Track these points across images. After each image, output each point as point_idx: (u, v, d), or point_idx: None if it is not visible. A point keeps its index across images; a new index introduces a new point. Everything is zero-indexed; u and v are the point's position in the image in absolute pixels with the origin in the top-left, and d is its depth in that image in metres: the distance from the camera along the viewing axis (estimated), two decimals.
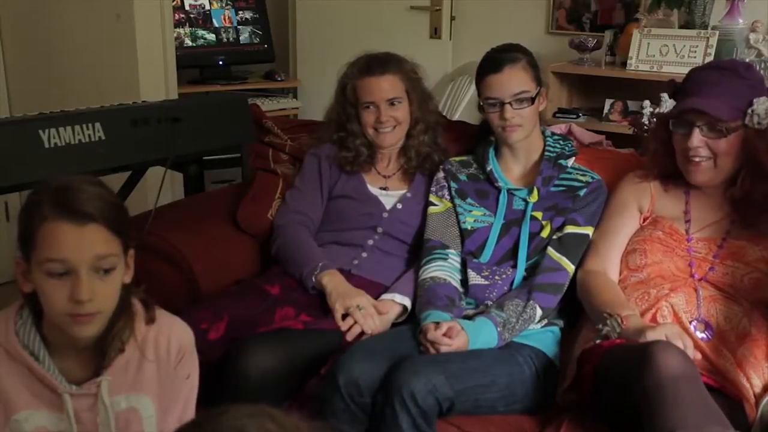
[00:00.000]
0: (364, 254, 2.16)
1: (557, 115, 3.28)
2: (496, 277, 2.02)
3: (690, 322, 1.76)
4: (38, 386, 1.42)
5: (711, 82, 1.84)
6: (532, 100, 2.03)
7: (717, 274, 1.81)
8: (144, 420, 1.47)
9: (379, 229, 2.18)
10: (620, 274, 1.92)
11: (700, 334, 1.74)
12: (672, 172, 1.94)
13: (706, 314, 1.76)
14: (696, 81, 1.87)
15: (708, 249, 1.86)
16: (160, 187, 2.12)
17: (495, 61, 2.04)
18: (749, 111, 1.79)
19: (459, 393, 1.70)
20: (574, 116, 3.27)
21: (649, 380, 1.48)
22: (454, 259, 2.08)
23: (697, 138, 1.82)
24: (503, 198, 2.08)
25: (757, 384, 1.64)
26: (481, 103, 2.07)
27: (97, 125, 2.04)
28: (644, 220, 1.97)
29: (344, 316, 1.96)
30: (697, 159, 1.84)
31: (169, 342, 1.49)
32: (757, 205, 1.81)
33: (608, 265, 1.94)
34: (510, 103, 2.01)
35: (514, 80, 2.01)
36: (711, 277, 1.81)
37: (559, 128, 2.44)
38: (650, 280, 1.85)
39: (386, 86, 2.16)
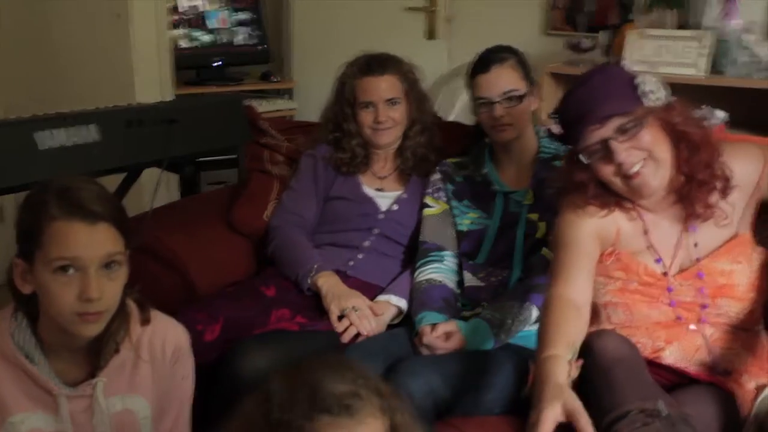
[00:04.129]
0: (360, 255, 2.16)
1: (552, 115, 3.27)
2: (492, 279, 2.02)
3: (696, 353, 1.68)
4: (33, 388, 1.41)
5: (585, 97, 1.63)
6: (521, 98, 2.03)
7: (711, 314, 1.69)
8: (140, 421, 1.47)
9: (375, 231, 2.18)
10: (601, 324, 1.74)
11: (706, 332, 1.72)
12: (610, 200, 1.69)
13: (718, 354, 1.68)
14: (574, 103, 1.66)
15: (690, 287, 1.68)
16: (156, 189, 2.12)
17: (483, 61, 2.06)
18: (640, 93, 1.61)
19: (457, 394, 1.70)
20: None
21: (587, 368, 1.49)
22: (450, 260, 2.08)
23: (621, 149, 1.59)
24: (499, 200, 2.08)
25: (754, 382, 1.64)
26: (473, 104, 2.08)
27: (92, 126, 2.03)
28: (605, 256, 1.72)
29: (340, 318, 1.96)
30: (635, 169, 1.61)
31: (165, 343, 1.49)
32: (702, 182, 1.64)
33: (578, 292, 1.64)
34: (499, 102, 2.01)
35: (502, 79, 2.02)
36: (707, 317, 1.69)
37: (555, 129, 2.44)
38: (643, 330, 1.71)
39: (385, 86, 2.16)
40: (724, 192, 1.67)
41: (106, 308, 1.37)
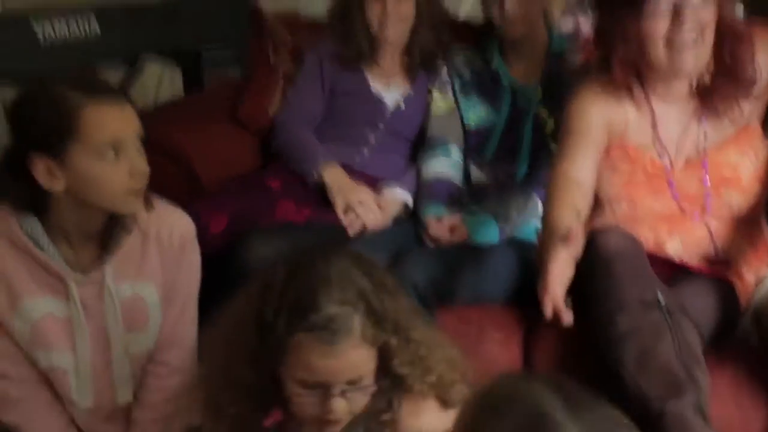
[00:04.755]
0: (366, 151, 2.15)
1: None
2: (499, 174, 2.01)
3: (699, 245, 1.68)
4: (43, 275, 1.43)
5: None
6: None
7: (714, 206, 1.67)
8: (149, 307, 1.50)
9: (381, 126, 2.17)
10: (605, 219, 1.72)
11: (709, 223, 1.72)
12: (628, 83, 1.65)
13: (720, 245, 1.68)
14: None
15: (694, 179, 1.67)
16: (159, 83, 2.09)
17: None
18: None
19: (459, 284, 1.72)
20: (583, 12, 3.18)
21: (588, 262, 1.50)
22: (456, 154, 2.07)
23: (691, 17, 1.53)
24: (507, 96, 2.05)
25: (754, 274, 1.66)
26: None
27: (92, 18, 2.00)
28: (612, 150, 1.69)
29: (346, 211, 1.97)
30: (688, 42, 1.55)
31: (171, 231, 1.50)
32: (735, 78, 1.61)
33: (582, 171, 1.64)
34: None
35: None
36: (711, 209, 1.67)
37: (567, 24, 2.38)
38: (646, 223, 1.70)
39: None
40: (749, 90, 1.65)
41: (147, 180, 1.41)
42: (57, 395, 1.50)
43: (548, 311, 1.37)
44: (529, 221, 1.92)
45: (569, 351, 1.65)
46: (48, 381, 1.48)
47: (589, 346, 1.52)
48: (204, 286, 1.61)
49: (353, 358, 1.08)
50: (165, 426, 1.53)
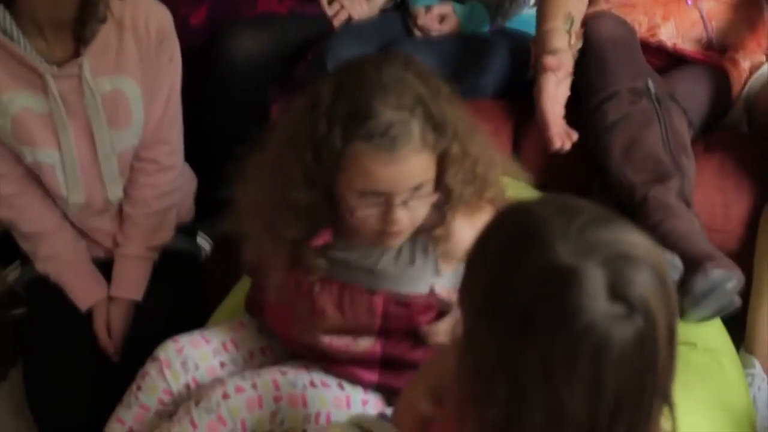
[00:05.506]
0: None
1: None
2: None
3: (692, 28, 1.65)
4: (18, 67, 1.39)
5: None
6: None
7: None
8: (131, 102, 1.46)
9: None
10: (599, 5, 1.67)
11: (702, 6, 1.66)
12: None
13: (715, 28, 1.65)
14: None
15: None
16: None
17: None
18: None
19: (450, 75, 1.67)
20: None
21: (580, 51, 1.50)
22: None
23: None
24: None
25: (749, 61, 1.63)
26: None
27: None
28: None
29: (330, 1, 1.89)
30: None
31: (148, 21, 1.44)
32: None
33: None
34: None
35: None
36: None
37: None
38: (640, 7, 1.66)
39: None
40: None
41: None
42: (48, 192, 1.50)
43: (556, 144, 1.41)
44: (521, 11, 1.86)
45: None
46: (38, 178, 1.48)
47: (579, 137, 1.51)
48: (187, 83, 1.57)
49: (414, 165, 1.03)
50: (158, 221, 1.55)
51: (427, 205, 1.09)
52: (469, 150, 1.09)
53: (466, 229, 1.09)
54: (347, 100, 1.03)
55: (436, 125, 1.04)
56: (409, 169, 1.03)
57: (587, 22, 1.56)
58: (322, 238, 1.11)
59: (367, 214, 1.06)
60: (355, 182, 1.04)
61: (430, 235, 1.12)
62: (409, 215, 1.07)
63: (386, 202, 1.05)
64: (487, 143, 1.15)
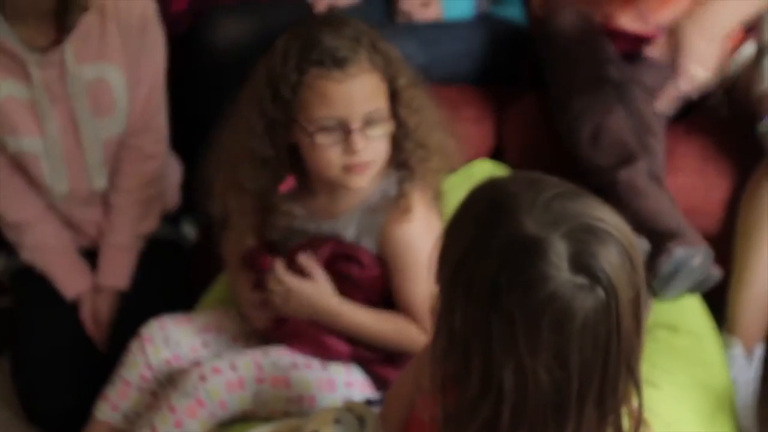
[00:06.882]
0: None
1: None
2: None
3: None
4: (0, 56, 1.38)
5: None
6: None
7: None
8: (114, 90, 1.46)
9: None
10: None
11: None
12: None
13: None
14: None
15: None
16: None
17: None
18: None
19: (432, 61, 1.69)
20: None
21: (542, 45, 1.53)
22: None
23: None
24: None
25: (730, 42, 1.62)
26: None
27: None
28: None
29: None
30: None
31: (130, 9, 1.44)
32: None
33: None
34: None
35: None
36: None
37: None
38: None
39: None
40: None
41: None
42: (33, 182, 1.50)
43: None
44: None
45: (539, 129, 1.66)
46: (22, 168, 1.48)
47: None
48: (171, 67, 1.57)
49: (365, 84, 1.12)
50: (143, 210, 1.55)
51: (385, 139, 1.15)
52: (415, 106, 1.17)
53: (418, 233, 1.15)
54: (299, 39, 1.14)
55: (382, 56, 1.14)
56: (361, 88, 1.12)
57: (547, 17, 1.59)
58: (287, 184, 1.18)
59: (329, 150, 1.12)
60: (313, 110, 1.12)
61: (383, 215, 1.17)
62: (370, 147, 1.12)
63: (344, 130, 1.11)
64: (444, 130, 1.23)
